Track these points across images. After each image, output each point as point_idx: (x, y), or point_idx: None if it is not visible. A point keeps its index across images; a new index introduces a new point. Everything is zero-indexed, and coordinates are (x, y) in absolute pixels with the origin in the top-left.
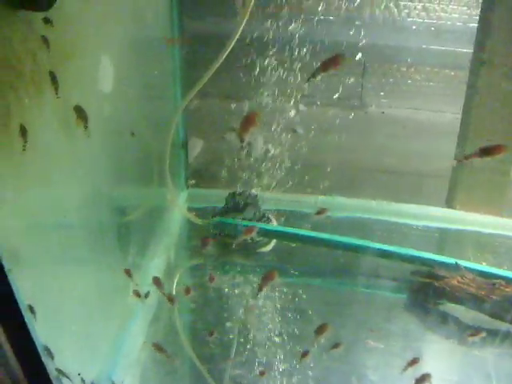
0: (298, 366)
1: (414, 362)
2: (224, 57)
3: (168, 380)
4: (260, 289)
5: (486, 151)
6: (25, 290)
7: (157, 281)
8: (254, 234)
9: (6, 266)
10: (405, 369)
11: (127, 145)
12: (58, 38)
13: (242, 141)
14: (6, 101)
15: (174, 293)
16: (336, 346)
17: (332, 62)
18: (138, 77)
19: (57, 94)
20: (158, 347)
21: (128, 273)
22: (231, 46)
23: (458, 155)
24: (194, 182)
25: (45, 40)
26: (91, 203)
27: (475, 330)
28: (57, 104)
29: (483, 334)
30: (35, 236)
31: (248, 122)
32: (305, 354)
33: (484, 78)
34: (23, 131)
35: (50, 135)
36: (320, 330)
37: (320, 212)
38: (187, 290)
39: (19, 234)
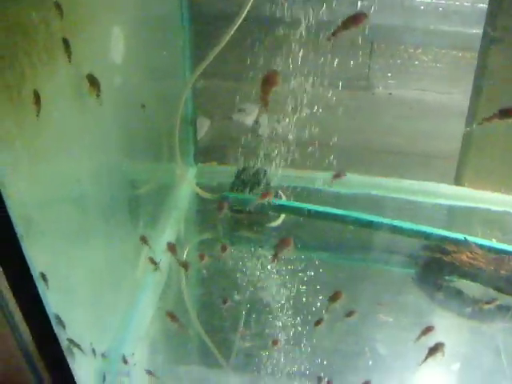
0: (306, 340)
1: (428, 330)
2: (232, 32)
3: (177, 353)
4: (275, 255)
5: (507, 113)
6: (37, 257)
7: (171, 247)
8: (270, 198)
9: (19, 232)
10: (418, 337)
11: (138, 118)
12: (71, 6)
13: (264, 104)
14: (20, 67)
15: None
16: (350, 314)
17: (354, 19)
18: (148, 51)
19: (70, 60)
20: (172, 315)
21: (144, 240)
22: (239, 23)
23: (465, 136)
24: (215, 162)
25: (58, 6)
26: (103, 174)
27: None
28: (69, 72)
29: (498, 302)
30: (48, 205)
31: (268, 81)
32: (318, 322)
33: (494, 56)
34: (37, 97)
35: (62, 103)
36: (334, 297)
37: (337, 175)
38: (201, 257)
39: (32, 201)
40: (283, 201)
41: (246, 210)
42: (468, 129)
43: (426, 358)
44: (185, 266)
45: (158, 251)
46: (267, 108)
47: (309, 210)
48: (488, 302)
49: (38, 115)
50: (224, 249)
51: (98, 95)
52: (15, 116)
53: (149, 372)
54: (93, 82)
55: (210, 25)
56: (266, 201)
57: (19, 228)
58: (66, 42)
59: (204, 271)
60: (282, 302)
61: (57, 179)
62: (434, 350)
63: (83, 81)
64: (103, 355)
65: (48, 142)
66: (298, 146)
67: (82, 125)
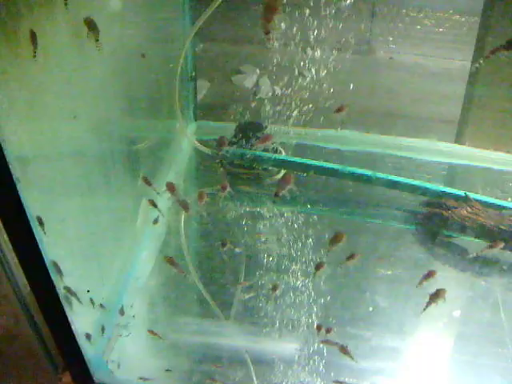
0: (305, 291)
1: (429, 275)
2: None
3: (176, 305)
4: (277, 193)
5: None
6: (33, 202)
7: (171, 186)
8: (270, 140)
9: (15, 175)
10: (420, 282)
11: (138, 69)
12: None
13: (266, 32)
14: (16, 6)
15: (182, 223)
16: (351, 256)
17: None
18: (148, 5)
19: (66, 4)
20: (171, 261)
21: (146, 180)
22: None
23: (467, 96)
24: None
25: None
26: (102, 124)
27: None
28: (67, 15)
29: (502, 245)
30: (45, 149)
31: (269, 9)
32: (319, 266)
33: (498, 15)
34: (33, 37)
35: (60, 46)
36: (335, 239)
37: (340, 109)
38: (201, 196)
39: (29, 144)
40: (283, 156)
41: (245, 164)
42: (476, 65)
43: (428, 305)
44: (185, 206)
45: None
46: (269, 36)
47: (309, 165)
48: (491, 246)
49: (34, 56)
50: (224, 188)
51: (97, 40)
52: (11, 56)
53: (151, 332)
54: (91, 26)
55: None
56: (265, 145)
57: (16, 171)
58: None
59: (204, 217)
60: (283, 254)
61: (55, 122)
62: (435, 295)
63: (81, 25)
64: (101, 306)
65: (46, 84)
66: (297, 106)
67: (81, 69)
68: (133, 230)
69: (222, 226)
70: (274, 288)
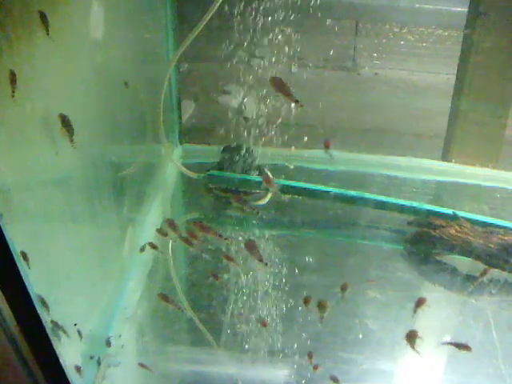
0: (295, 317)
1: (421, 302)
2: (214, 10)
3: (165, 334)
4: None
5: None
6: (18, 237)
7: (170, 223)
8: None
9: None
10: (414, 311)
11: (121, 97)
12: None
13: (296, 101)
14: None
15: (169, 248)
16: (344, 286)
17: None
18: (130, 29)
19: (48, 34)
20: (166, 298)
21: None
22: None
23: (452, 112)
24: None
25: None
26: (86, 154)
27: (484, 270)
28: (48, 48)
29: (490, 270)
30: (28, 184)
31: (280, 87)
32: (307, 299)
33: (480, 30)
34: (13, 77)
35: (41, 81)
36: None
37: (326, 144)
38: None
39: (11, 179)
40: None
41: (231, 188)
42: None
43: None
44: (188, 242)
45: (143, 232)
46: (299, 103)
47: (296, 188)
48: (482, 274)
49: (13, 96)
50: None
51: (71, 140)
52: None
53: (141, 365)
54: (65, 123)
55: (193, 4)
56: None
57: None
58: (42, 14)
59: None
60: (271, 279)
61: (37, 158)
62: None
63: (63, 57)
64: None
65: (27, 119)
66: (283, 126)
67: (64, 104)
68: (119, 258)
69: (210, 251)
70: (263, 323)
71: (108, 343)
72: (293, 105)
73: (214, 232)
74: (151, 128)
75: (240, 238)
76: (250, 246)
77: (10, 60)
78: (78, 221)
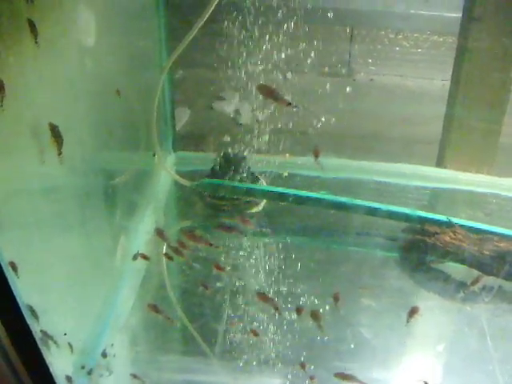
0: (289, 324)
1: (414, 311)
2: (206, 18)
3: (158, 343)
4: None
5: None
6: (6, 246)
7: (160, 232)
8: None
9: None
10: (408, 320)
11: (114, 105)
12: None
13: (288, 105)
14: None
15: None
16: (336, 296)
17: None
18: (122, 36)
19: (36, 42)
20: (155, 308)
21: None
22: (212, 9)
23: (447, 118)
24: None
25: None
26: (77, 163)
27: (476, 278)
28: (37, 56)
29: (483, 278)
30: (18, 193)
31: (269, 93)
32: (300, 309)
33: (474, 36)
34: (0, 85)
35: (31, 90)
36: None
37: (316, 153)
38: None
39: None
40: (264, 186)
41: (225, 196)
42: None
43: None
44: (178, 252)
45: (136, 241)
46: (293, 105)
47: (289, 195)
48: (474, 282)
49: (1, 105)
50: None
51: (59, 153)
52: None
53: (134, 376)
54: (55, 133)
55: (186, 11)
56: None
57: None
58: (31, 23)
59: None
60: (263, 287)
61: (26, 167)
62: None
63: (54, 65)
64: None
65: (16, 128)
66: (278, 132)
67: (55, 112)
68: (112, 267)
69: (202, 259)
70: (255, 333)
71: (104, 355)
72: (294, 109)
73: (205, 241)
74: (144, 135)
75: (231, 245)
76: (264, 298)
77: None
78: (69, 230)
